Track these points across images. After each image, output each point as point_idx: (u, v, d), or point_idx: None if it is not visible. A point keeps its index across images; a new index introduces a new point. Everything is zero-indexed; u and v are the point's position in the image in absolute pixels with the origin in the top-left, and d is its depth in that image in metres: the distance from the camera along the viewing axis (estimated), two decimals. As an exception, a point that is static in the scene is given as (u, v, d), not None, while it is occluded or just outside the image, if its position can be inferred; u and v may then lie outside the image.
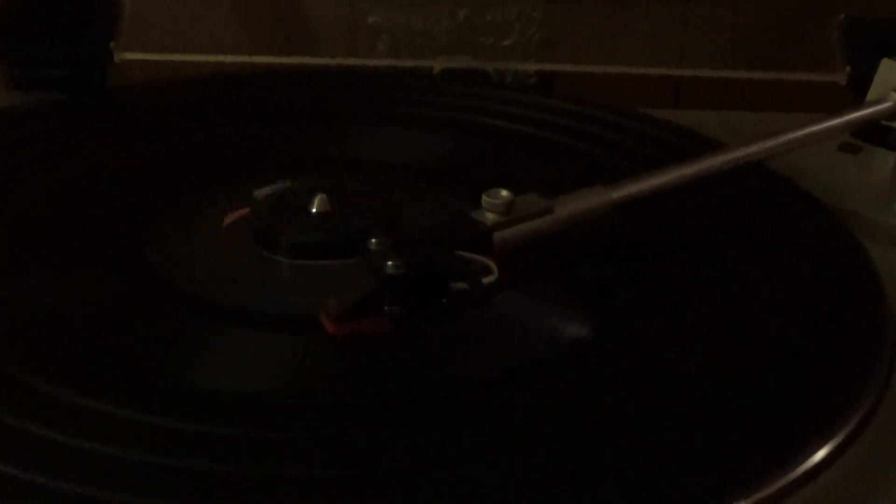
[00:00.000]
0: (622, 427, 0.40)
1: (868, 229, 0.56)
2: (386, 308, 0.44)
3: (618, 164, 0.58)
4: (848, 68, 0.64)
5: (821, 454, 0.39)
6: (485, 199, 0.47)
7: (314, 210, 0.51)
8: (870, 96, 0.58)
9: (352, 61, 0.74)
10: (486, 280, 0.45)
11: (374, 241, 0.45)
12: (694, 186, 0.52)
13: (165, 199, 0.55)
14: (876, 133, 0.57)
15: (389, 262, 0.44)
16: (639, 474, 0.38)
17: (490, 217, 0.47)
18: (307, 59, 0.71)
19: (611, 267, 0.51)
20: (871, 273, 0.50)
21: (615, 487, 0.37)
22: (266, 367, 0.44)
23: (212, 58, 0.70)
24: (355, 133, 0.62)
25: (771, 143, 0.53)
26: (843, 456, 0.40)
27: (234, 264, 0.50)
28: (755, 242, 0.52)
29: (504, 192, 0.47)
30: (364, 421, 0.41)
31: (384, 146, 0.61)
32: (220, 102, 0.65)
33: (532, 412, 0.41)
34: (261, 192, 0.54)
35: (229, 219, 0.52)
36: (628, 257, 0.51)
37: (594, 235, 0.51)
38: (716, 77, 0.73)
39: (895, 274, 0.52)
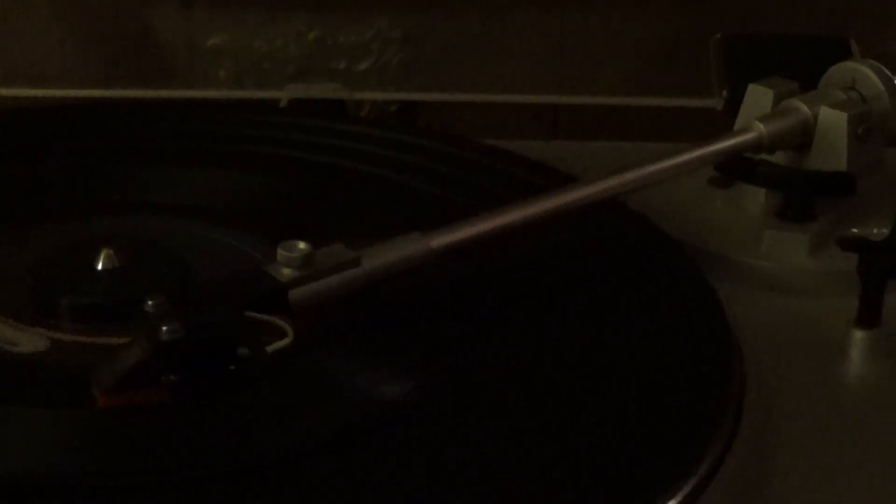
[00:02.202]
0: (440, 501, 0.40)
1: (735, 272, 0.56)
2: (163, 377, 0.44)
3: (468, 206, 0.57)
4: (725, 93, 0.64)
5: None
6: (280, 252, 0.46)
7: (99, 267, 0.50)
8: (737, 125, 0.58)
9: (186, 92, 0.74)
10: (275, 346, 0.45)
11: (150, 302, 0.45)
12: (537, 226, 0.52)
13: None
14: (741, 167, 0.57)
15: (164, 327, 0.43)
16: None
17: (286, 272, 0.46)
18: (134, 92, 0.71)
19: (436, 320, 0.50)
20: (722, 324, 0.50)
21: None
22: (33, 446, 0.43)
23: (25, 92, 0.69)
24: (178, 175, 0.60)
25: (619, 180, 0.53)
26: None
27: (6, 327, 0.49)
28: (602, 288, 0.52)
29: (301, 245, 0.46)
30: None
31: (208, 190, 0.59)
32: (18, 137, 0.64)
33: (333, 490, 0.41)
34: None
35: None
36: (458, 308, 0.51)
37: (418, 283, 0.50)
38: (594, 104, 0.73)
39: (761, 319, 0.53)
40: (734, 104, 0.61)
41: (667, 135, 0.66)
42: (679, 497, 0.41)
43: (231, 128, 0.64)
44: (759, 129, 0.55)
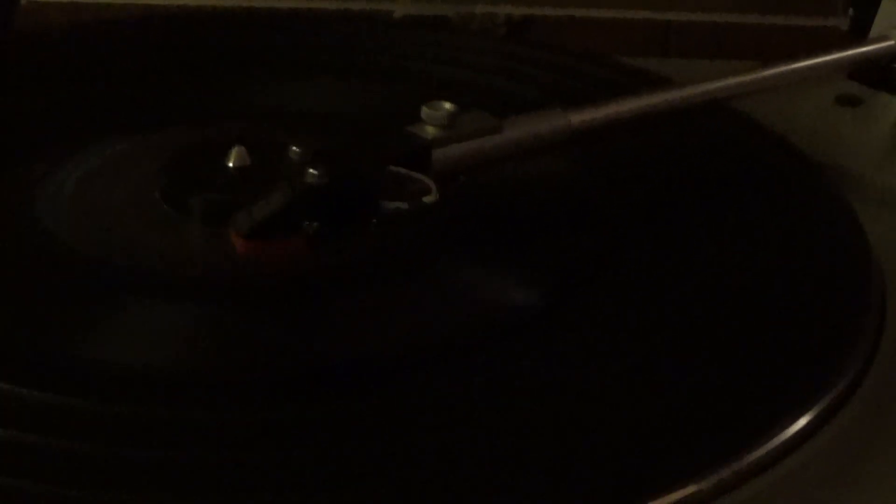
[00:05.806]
0: (586, 403, 0.40)
1: (865, 190, 0.56)
2: (305, 224, 0.44)
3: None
4: (851, 11, 0.64)
5: (802, 422, 0.39)
6: (425, 110, 0.47)
7: (230, 164, 0.50)
8: (871, 36, 0.58)
9: (300, 3, 0.74)
10: (427, 199, 0.45)
11: (294, 149, 0.45)
12: (668, 133, 0.52)
13: (67, 152, 0.54)
14: (878, 76, 0.57)
15: (310, 170, 0.43)
16: (610, 449, 0.38)
17: (430, 131, 0.47)
18: (249, 2, 0.71)
19: (567, 229, 0.51)
20: (858, 235, 0.49)
21: (584, 466, 0.37)
22: (174, 340, 0.43)
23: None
24: (299, 84, 0.61)
25: (753, 76, 0.53)
26: (826, 425, 0.40)
27: (138, 226, 0.49)
28: (732, 202, 0.52)
29: (447, 105, 0.47)
30: (276, 399, 0.40)
31: (329, 99, 0.60)
32: (142, 47, 0.64)
33: (469, 390, 0.41)
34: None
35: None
36: (586, 219, 0.51)
37: (548, 193, 0.51)
38: (707, 21, 0.72)
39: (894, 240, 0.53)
40: (860, 23, 0.61)
41: (780, 56, 0.65)
42: (812, 414, 0.40)
43: (372, 43, 0.65)
44: (897, 37, 0.56)
